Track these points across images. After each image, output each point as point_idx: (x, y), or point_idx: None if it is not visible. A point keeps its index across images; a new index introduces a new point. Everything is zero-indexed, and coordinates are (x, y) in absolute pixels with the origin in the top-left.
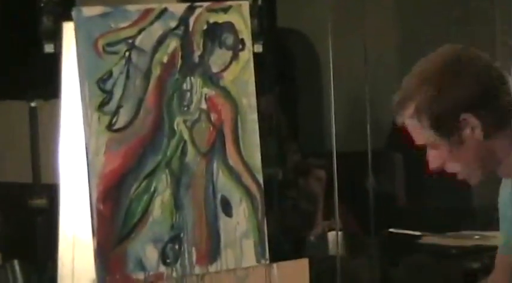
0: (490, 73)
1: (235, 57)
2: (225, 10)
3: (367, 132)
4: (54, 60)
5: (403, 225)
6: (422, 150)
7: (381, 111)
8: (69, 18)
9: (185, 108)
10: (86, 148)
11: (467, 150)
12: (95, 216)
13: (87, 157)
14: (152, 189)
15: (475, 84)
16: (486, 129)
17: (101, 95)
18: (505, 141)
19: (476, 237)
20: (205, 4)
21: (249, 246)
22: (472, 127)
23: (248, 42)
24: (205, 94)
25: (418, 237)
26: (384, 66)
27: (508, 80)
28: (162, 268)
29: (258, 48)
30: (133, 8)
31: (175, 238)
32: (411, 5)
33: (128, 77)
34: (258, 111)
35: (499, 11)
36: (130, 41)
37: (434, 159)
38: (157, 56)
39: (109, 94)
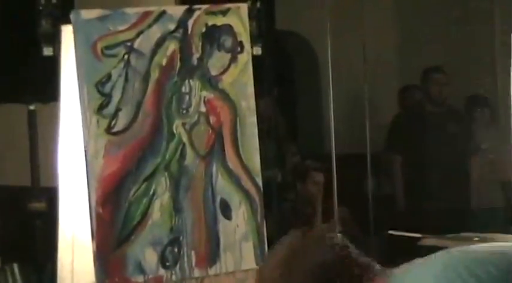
0: (329, 264)
1: (234, 59)
2: (224, 13)
3: (367, 134)
4: (53, 63)
5: (402, 227)
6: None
7: (380, 113)
8: (67, 21)
9: (184, 111)
10: (85, 151)
11: None
12: (94, 219)
13: (86, 160)
14: (151, 192)
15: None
16: None
17: (99, 98)
18: None
19: (476, 238)
20: (204, 7)
21: (248, 249)
22: None
23: (247, 44)
24: (204, 97)
25: (418, 239)
26: (382, 66)
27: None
28: (162, 271)
29: (257, 50)
30: (131, 11)
31: (175, 241)
32: (410, 5)
33: (126, 79)
34: (257, 114)
35: (499, 11)
36: (129, 43)
37: None
38: (156, 58)
39: (108, 97)
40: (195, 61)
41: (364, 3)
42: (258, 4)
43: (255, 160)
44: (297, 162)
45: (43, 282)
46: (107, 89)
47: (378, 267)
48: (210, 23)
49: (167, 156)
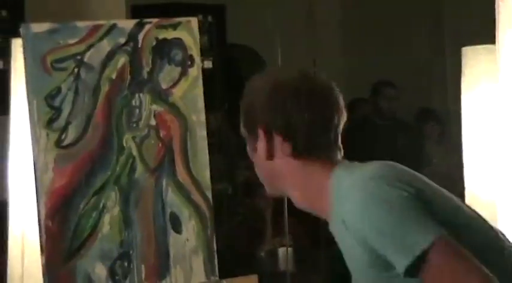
0: (293, 99)
1: (184, 73)
2: (174, 26)
3: None
4: (3, 76)
5: None
6: None
7: None
8: (18, 34)
9: (134, 125)
10: (34, 165)
11: (256, 159)
12: (43, 232)
13: (35, 174)
14: (101, 205)
15: (274, 107)
16: (269, 151)
17: (49, 111)
18: (296, 172)
19: None
20: (155, 20)
21: (198, 263)
22: (260, 143)
23: (197, 58)
24: (154, 110)
25: None
26: (332, 79)
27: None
28: None
29: (208, 64)
30: (81, 25)
31: (125, 255)
32: (359, 20)
33: (76, 93)
34: (208, 128)
35: (450, 25)
36: (78, 57)
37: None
38: (106, 72)
39: (57, 110)
40: (145, 75)
41: (314, 18)
42: (210, 18)
43: (205, 174)
44: (246, 176)
45: None
46: (56, 102)
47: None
48: (160, 37)
49: (117, 170)
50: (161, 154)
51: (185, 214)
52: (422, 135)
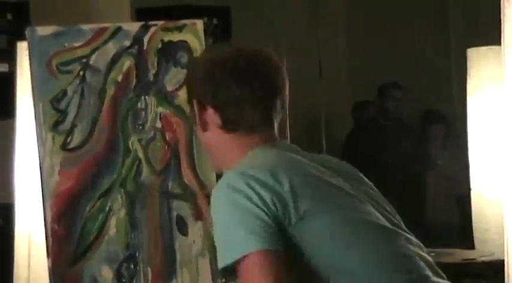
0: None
1: None
2: (180, 29)
3: (323, 149)
4: (9, 79)
5: None
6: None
7: (336, 128)
8: (23, 38)
9: (140, 127)
10: (40, 168)
11: (197, 132)
12: (49, 235)
13: (41, 177)
14: (107, 208)
15: (207, 78)
16: (202, 121)
17: (55, 114)
18: (224, 145)
19: (432, 254)
20: (160, 23)
21: (205, 265)
22: (196, 116)
23: None
24: (160, 113)
25: None
26: (337, 83)
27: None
28: None
29: None
30: (87, 27)
31: (131, 258)
32: (364, 23)
33: (82, 96)
34: None
35: (455, 26)
36: (84, 60)
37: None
38: (111, 74)
39: (63, 113)
40: (150, 77)
41: (318, 19)
42: (215, 20)
43: (211, 176)
44: None
45: None
46: (62, 105)
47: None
48: (165, 39)
49: (123, 172)
50: (167, 156)
51: (191, 216)
52: (427, 136)
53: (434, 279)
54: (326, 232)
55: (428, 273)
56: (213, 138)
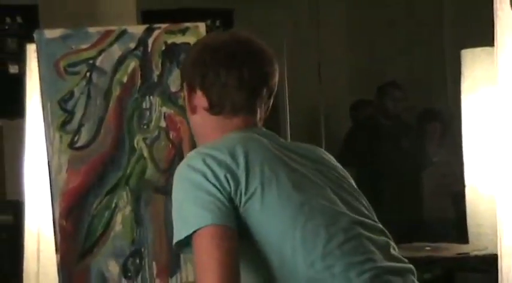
0: (220, 56)
1: None
2: (183, 31)
3: (322, 147)
4: (19, 80)
5: None
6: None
7: (335, 127)
8: (32, 40)
9: (145, 127)
10: (49, 166)
11: (188, 115)
12: (58, 231)
13: (49, 175)
14: (113, 205)
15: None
16: (191, 104)
17: (62, 114)
18: (209, 127)
19: (427, 248)
20: (164, 26)
21: None
22: (186, 98)
23: None
24: (164, 112)
25: None
26: (336, 83)
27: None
28: (124, 282)
29: None
30: (93, 30)
31: (136, 253)
32: (362, 25)
33: (89, 96)
34: None
35: (449, 28)
36: (91, 61)
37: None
38: (117, 76)
39: (71, 113)
40: (155, 78)
41: (319, 21)
42: (217, 23)
43: None
44: None
45: None
46: (69, 105)
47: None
48: (169, 41)
49: (128, 170)
50: (171, 154)
51: None
52: (424, 135)
53: (384, 263)
54: (269, 212)
55: (375, 256)
56: (200, 120)
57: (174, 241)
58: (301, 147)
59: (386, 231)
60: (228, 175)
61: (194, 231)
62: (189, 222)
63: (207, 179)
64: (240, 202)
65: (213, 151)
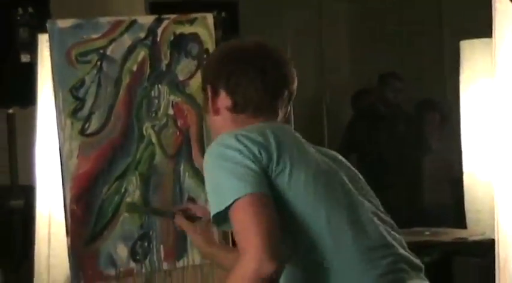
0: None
1: (200, 65)
2: (191, 22)
3: (325, 134)
4: (31, 69)
5: None
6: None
7: (337, 115)
8: (44, 30)
9: (153, 114)
10: (60, 152)
11: (209, 117)
12: (68, 215)
13: (61, 160)
14: (123, 190)
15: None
16: (214, 105)
17: (74, 102)
18: (232, 125)
19: (427, 233)
20: (172, 16)
21: None
22: (209, 100)
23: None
24: (172, 101)
25: None
26: (339, 73)
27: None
28: (132, 265)
29: None
30: (104, 20)
31: (145, 236)
32: (363, 18)
33: (99, 85)
34: None
35: (448, 20)
36: (101, 51)
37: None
38: (127, 65)
39: (81, 101)
40: (163, 67)
41: (322, 14)
42: (223, 14)
43: None
44: None
45: (21, 275)
46: (80, 93)
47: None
48: (177, 32)
49: (137, 156)
50: (179, 141)
51: (202, 197)
52: (423, 123)
53: (401, 251)
54: (300, 186)
55: (394, 243)
56: (222, 121)
57: (213, 213)
58: (321, 149)
59: (397, 227)
60: (262, 150)
61: (233, 201)
62: (226, 194)
63: (242, 153)
64: (272, 174)
65: (244, 132)
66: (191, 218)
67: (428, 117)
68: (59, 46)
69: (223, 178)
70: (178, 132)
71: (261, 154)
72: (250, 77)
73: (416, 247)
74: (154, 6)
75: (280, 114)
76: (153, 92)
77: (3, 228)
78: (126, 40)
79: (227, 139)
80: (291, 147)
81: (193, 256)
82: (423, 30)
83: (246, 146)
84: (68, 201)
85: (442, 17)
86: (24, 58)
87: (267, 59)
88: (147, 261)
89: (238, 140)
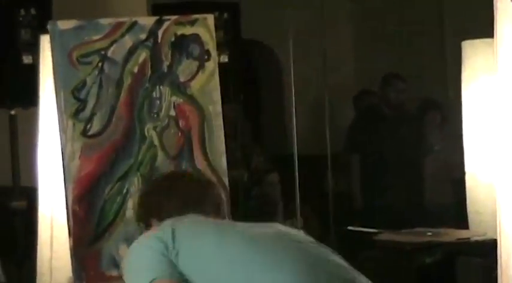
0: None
1: (201, 67)
2: (192, 23)
3: (327, 135)
4: (32, 70)
5: (361, 223)
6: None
7: (339, 116)
8: (46, 31)
9: (155, 115)
10: (62, 153)
11: None
12: (70, 216)
13: (63, 161)
14: (125, 191)
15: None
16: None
17: (75, 103)
18: None
19: (429, 233)
20: (173, 17)
21: None
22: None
23: (213, 52)
24: (174, 102)
25: (375, 234)
26: (341, 73)
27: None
28: None
29: (224, 58)
30: (105, 22)
31: None
32: (366, 17)
33: (100, 86)
34: (224, 118)
35: (449, 20)
36: (102, 52)
37: None
38: (128, 66)
39: (83, 102)
40: (165, 68)
41: (324, 14)
42: (225, 15)
43: (221, 161)
44: (260, 163)
45: (23, 277)
46: (82, 94)
47: None
48: (178, 33)
49: (139, 157)
50: (180, 142)
51: None
52: (425, 123)
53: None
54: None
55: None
56: None
57: None
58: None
59: None
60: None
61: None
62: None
63: (153, 249)
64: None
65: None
66: None
67: (429, 117)
68: (60, 47)
69: (133, 269)
70: (179, 133)
71: (167, 248)
72: (171, 204)
73: (418, 248)
74: (156, 7)
75: None
76: (154, 93)
77: (5, 230)
78: (127, 41)
79: (145, 240)
80: (186, 232)
81: None
82: (425, 30)
83: (152, 246)
84: (70, 202)
85: (443, 16)
86: (26, 59)
87: (184, 187)
88: None
89: (151, 241)
